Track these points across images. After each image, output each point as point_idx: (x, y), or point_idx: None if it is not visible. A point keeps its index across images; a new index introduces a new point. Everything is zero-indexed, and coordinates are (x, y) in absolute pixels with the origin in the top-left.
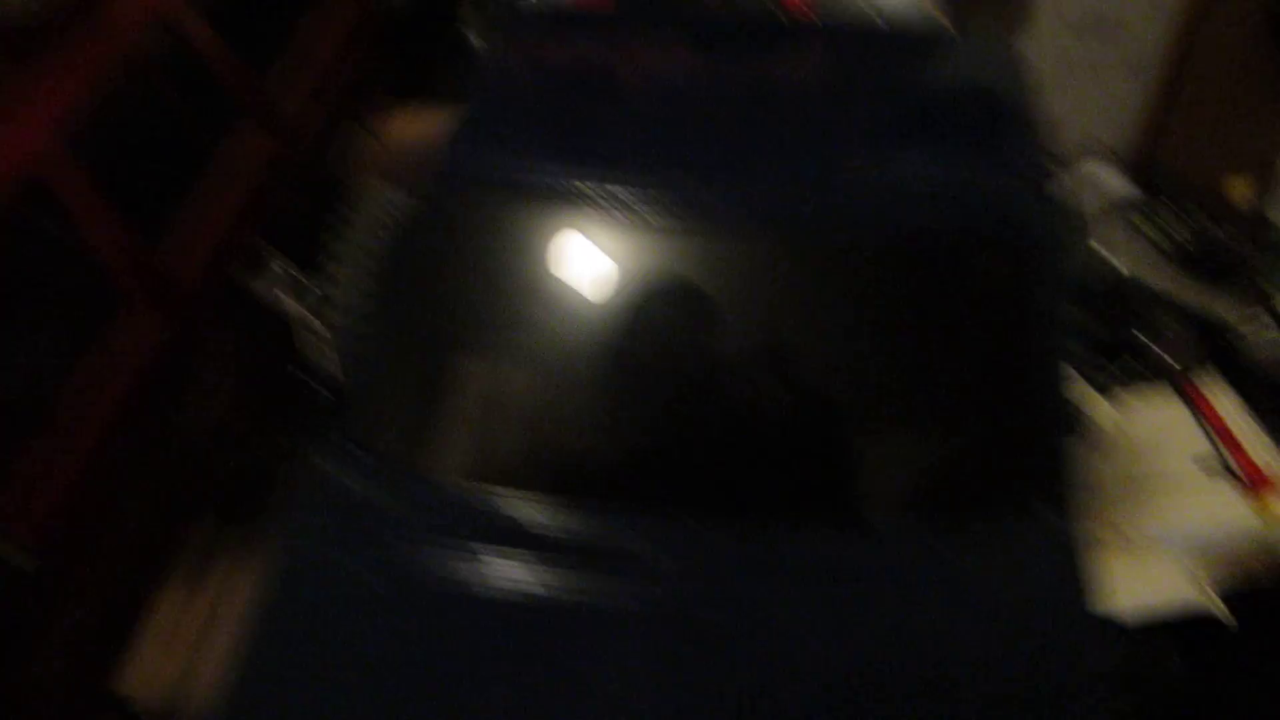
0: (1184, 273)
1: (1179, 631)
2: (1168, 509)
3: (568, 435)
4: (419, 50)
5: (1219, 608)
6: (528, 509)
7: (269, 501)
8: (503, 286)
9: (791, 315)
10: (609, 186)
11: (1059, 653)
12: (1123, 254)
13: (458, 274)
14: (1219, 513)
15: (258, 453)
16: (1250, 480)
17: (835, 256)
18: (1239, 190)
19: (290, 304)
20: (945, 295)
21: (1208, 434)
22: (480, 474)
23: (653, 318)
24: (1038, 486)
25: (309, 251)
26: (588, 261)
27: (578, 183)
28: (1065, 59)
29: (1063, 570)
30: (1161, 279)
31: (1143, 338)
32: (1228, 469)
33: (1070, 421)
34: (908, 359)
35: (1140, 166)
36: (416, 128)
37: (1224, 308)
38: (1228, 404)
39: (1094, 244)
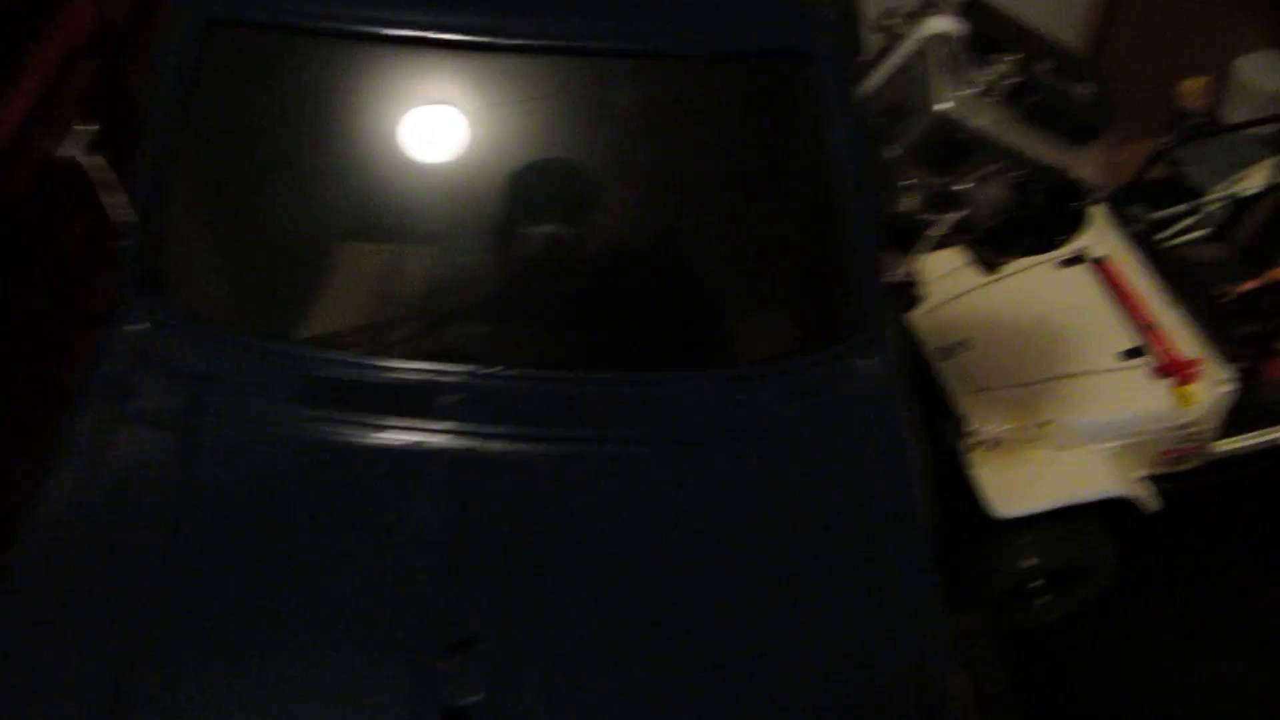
0: (1026, 124)
1: (1103, 518)
2: (1087, 399)
3: (370, 287)
4: None
5: (1142, 493)
6: (334, 364)
7: None
8: (277, 133)
9: (580, 146)
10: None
11: (874, 493)
12: (959, 106)
13: (229, 120)
14: (1139, 401)
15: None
16: (1170, 367)
17: (613, 76)
18: (1193, 94)
19: (90, 162)
20: (729, 122)
21: (1126, 318)
22: (283, 329)
23: (439, 156)
24: (844, 325)
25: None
26: (362, 98)
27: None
28: None
29: (874, 412)
30: (1005, 130)
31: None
32: (1144, 354)
33: (877, 260)
34: (699, 194)
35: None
36: None
37: (1078, 167)
38: (1143, 284)
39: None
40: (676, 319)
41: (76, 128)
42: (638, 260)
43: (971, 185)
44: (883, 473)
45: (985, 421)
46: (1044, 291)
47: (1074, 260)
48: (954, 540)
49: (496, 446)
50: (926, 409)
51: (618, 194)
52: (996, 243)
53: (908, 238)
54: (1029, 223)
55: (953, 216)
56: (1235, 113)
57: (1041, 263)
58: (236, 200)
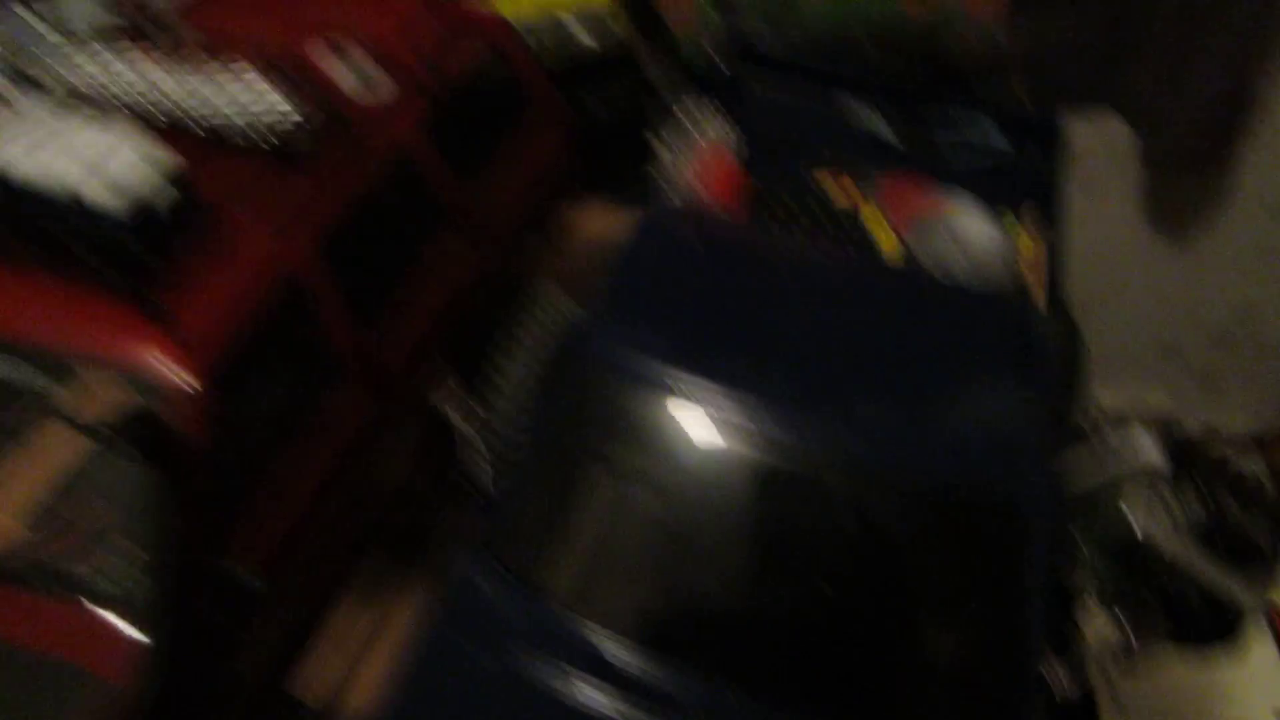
0: (1200, 549)
1: None
2: None
3: (649, 590)
4: (610, 154)
5: None
6: (611, 645)
7: (425, 550)
8: (620, 449)
9: (827, 534)
10: (713, 399)
11: None
12: (1143, 519)
13: (588, 425)
14: None
15: (423, 511)
16: None
17: (861, 494)
18: None
19: (458, 420)
20: (938, 546)
21: None
22: (581, 606)
23: (729, 510)
24: None
25: (488, 355)
26: (687, 450)
27: (691, 389)
28: (1261, 245)
29: None
30: (1177, 549)
31: (1153, 599)
32: None
33: (1039, 682)
34: (906, 593)
35: None
36: (596, 226)
37: (1236, 590)
38: None
39: (1121, 505)
40: (869, 691)
41: (452, 386)
42: (849, 636)
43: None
44: None
45: None
46: None
47: None
48: None
49: None
50: None
51: (838, 579)
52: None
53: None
54: (1181, 621)
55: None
56: None
57: None
58: (565, 495)
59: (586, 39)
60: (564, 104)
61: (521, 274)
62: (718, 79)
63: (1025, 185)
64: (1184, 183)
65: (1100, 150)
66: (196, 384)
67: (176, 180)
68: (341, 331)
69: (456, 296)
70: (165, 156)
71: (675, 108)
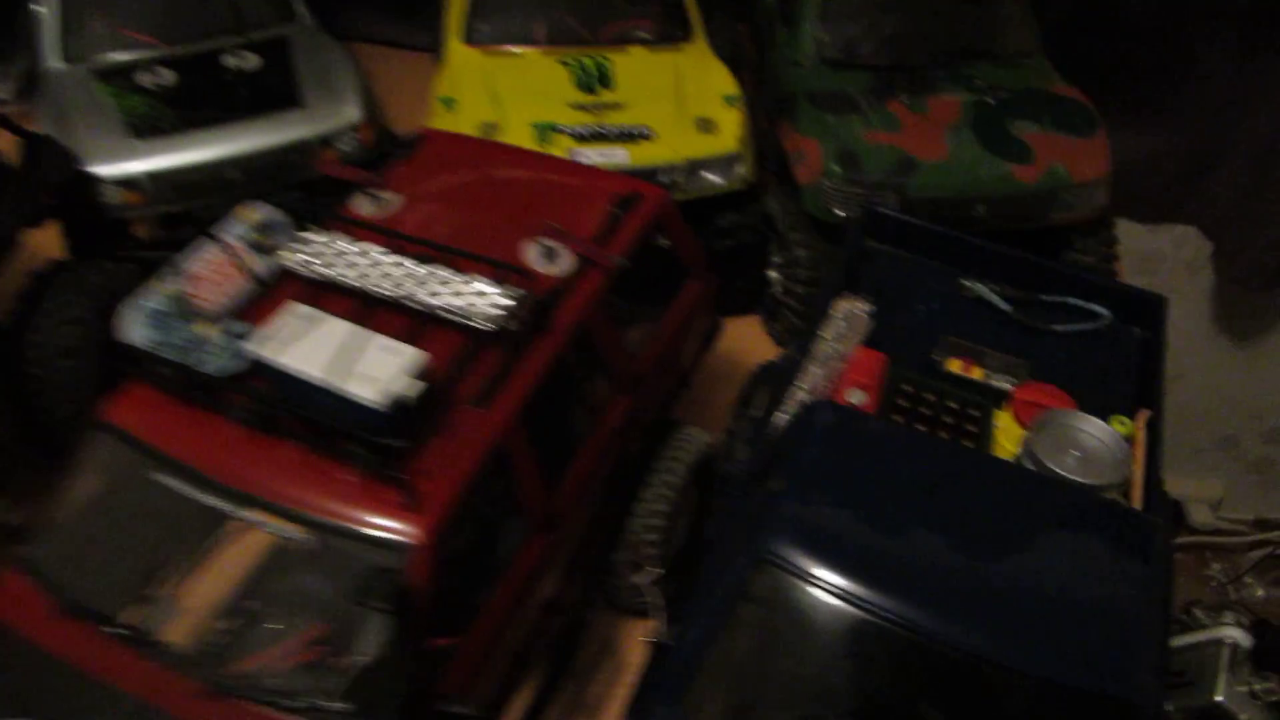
0: None
1: None
2: None
3: None
4: (725, 278)
5: None
6: None
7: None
8: (789, 649)
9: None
10: (880, 613)
11: None
12: (1225, 690)
13: (757, 622)
14: None
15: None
16: None
17: (999, 687)
18: None
19: (652, 604)
20: None
21: None
22: None
23: (880, 696)
24: None
25: (637, 490)
26: (847, 638)
27: (862, 602)
28: None
29: None
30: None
31: None
32: None
33: None
34: None
35: None
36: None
37: None
38: None
39: (1218, 698)
40: None
41: (649, 569)
42: None
43: None
44: None
45: None
46: None
47: None
48: None
49: None
50: None
51: None
52: None
53: None
54: None
55: None
56: None
57: None
58: (747, 691)
59: (716, 178)
60: (710, 268)
61: (668, 417)
62: (848, 244)
63: (1126, 352)
64: (1254, 297)
65: (1176, 257)
66: (427, 542)
67: (422, 375)
68: (531, 484)
69: (613, 440)
70: (415, 355)
71: (827, 301)
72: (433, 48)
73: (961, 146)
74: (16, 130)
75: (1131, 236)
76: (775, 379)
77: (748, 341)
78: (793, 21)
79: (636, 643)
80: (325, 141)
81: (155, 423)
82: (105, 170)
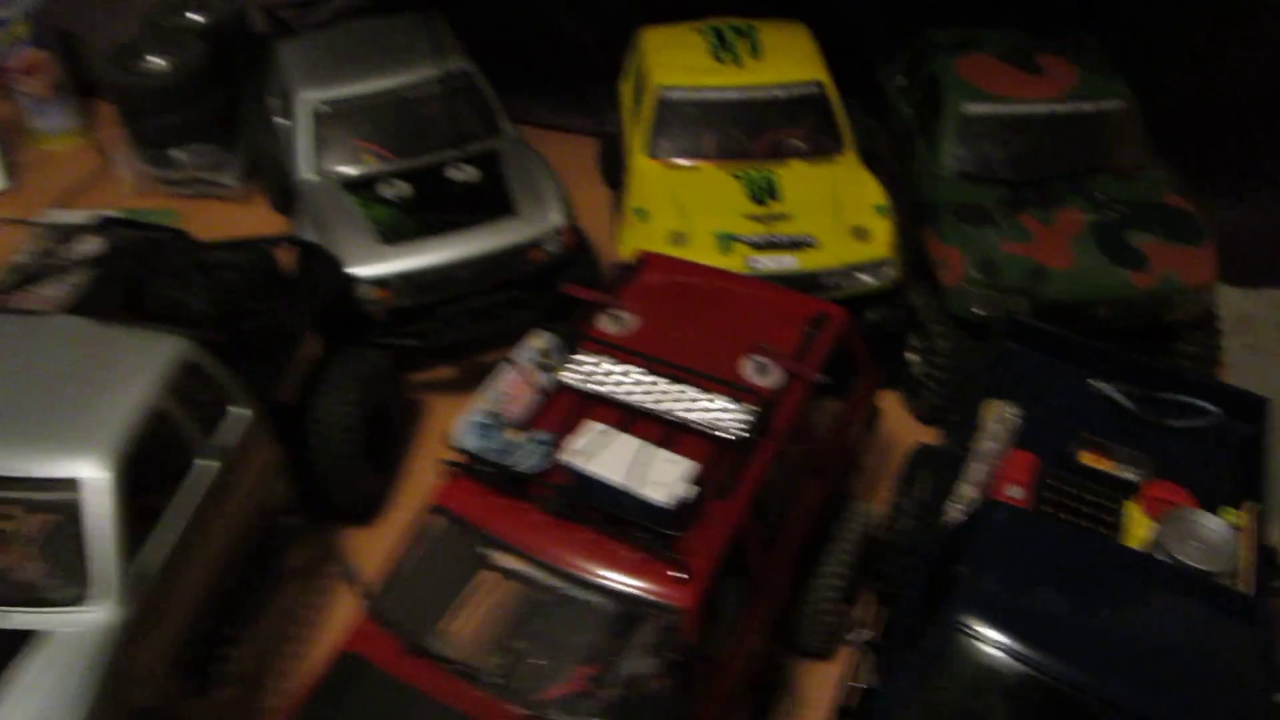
0: None
1: None
2: None
3: None
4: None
5: None
6: None
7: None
8: (973, 702)
9: None
10: (1050, 674)
11: None
12: None
13: (948, 679)
14: None
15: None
16: None
17: None
18: None
19: (864, 657)
20: None
21: None
22: None
23: None
24: None
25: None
26: (1028, 708)
27: (1037, 665)
28: None
29: None
30: None
31: None
32: None
33: None
34: None
35: None
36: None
37: None
38: None
39: None
40: None
41: (860, 630)
42: None
43: None
44: None
45: None
46: None
47: None
48: None
49: None
50: None
51: None
52: None
53: None
54: None
55: None
56: None
57: None
58: None
59: (869, 279)
60: (877, 368)
61: (843, 493)
62: (991, 350)
63: (1233, 445)
64: None
65: (1270, 319)
66: (695, 608)
67: (696, 480)
68: (757, 556)
69: (807, 514)
70: (690, 466)
71: (976, 400)
72: (590, 131)
73: (1086, 256)
74: (295, 242)
75: (1230, 300)
76: (935, 464)
77: (890, 418)
78: (932, 137)
79: (814, 681)
80: (535, 244)
81: (478, 508)
82: (363, 272)
